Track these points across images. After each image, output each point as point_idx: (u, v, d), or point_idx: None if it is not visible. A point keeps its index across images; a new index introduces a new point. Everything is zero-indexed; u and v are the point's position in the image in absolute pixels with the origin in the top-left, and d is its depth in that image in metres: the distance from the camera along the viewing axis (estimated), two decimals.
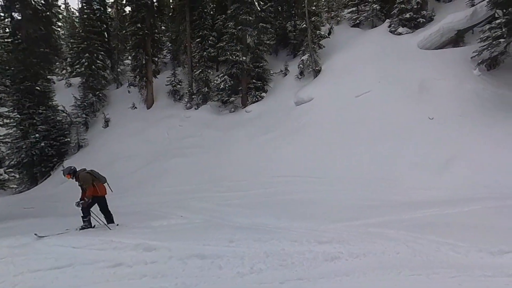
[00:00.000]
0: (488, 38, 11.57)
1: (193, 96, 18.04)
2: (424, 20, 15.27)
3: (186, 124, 16.66)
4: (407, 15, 15.14)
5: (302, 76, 16.00)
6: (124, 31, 22.29)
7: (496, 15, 11.87)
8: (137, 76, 19.34)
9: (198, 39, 18.26)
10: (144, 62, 18.73)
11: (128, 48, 21.43)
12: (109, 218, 6.76)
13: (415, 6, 15.19)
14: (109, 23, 23.79)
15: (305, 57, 15.55)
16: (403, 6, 15.17)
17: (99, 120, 19.61)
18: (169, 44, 23.16)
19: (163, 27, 22.97)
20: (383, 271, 3.51)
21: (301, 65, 15.75)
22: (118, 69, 23.16)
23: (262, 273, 3.80)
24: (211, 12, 19.64)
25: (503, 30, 11.43)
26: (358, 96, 12.83)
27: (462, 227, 5.23)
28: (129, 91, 20.80)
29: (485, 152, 9.20)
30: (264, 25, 17.04)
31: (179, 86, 19.07)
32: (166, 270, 3.99)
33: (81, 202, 6.44)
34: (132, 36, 18.68)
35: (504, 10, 11.47)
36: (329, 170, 10.26)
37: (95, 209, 6.72)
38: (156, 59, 20.67)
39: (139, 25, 18.08)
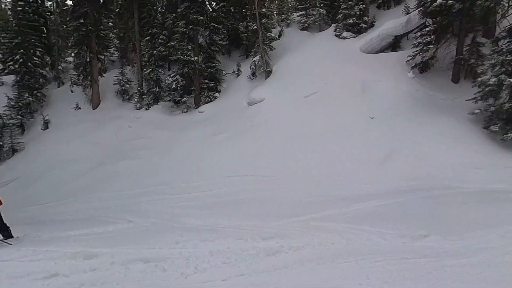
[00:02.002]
0: (419, 44, 12.76)
1: (143, 96, 17.43)
2: (366, 25, 16.36)
3: (136, 125, 16.04)
4: (351, 21, 16.10)
5: (254, 77, 16.25)
6: (65, 26, 20.78)
7: (427, 23, 13.15)
8: (81, 75, 18.16)
9: (148, 37, 17.68)
10: (88, 59, 17.66)
11: (70, 44, 20.01)
12: (6, 232, 6.17)
13: (358, 13, 16.21)
14: (49, 17, 22.00)
15: (256, 58, 15.81)
16: (347, 12, 16.10)
17: (38, 122, 18.07)
18: (117, 42, 22.09)
19: (110, 24, 21.83)
20: (319, 261, 3.77)
21: (253, 66, 16.00)
22: (60, 67, 21.52)
23: (206, 272, 3.86)
24: (161, 10, 19.12)
25: (432, 37, 12.70)
26: (306, 97, 13.38)
27: (393, 216, 5.75)
28: (72, 91, 19.45)
29: (418, 148, 10.15)
30: (216, 25, 17.04)
31: (128, 85, 18.29)
32: (107, 277, 3.88)
33: None
34: (74, 32, 17.50)
35: (433, 19, 12.75)
36: (279, 169, 10.58)
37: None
38: (102, 57, 19.57)
39: (82, 20, 17.01)
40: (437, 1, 11.67)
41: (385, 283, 3.25)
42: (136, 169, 12.84)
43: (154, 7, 18.21)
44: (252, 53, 16.62)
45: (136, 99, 17.55)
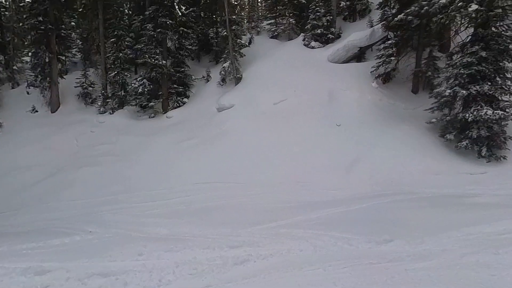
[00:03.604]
0: (382, 55, 13.43)
1: (107, 100, 16.70)
2: (333, 36, 16.97)
3: (99, 130, 15.29)
4: (319, 31, 16.63)
5: (224, 83, 16.19)
6: (21, 24, 19.49)
7: (389, 37, 13.88)
8: (39, 76, 17.07)
9: (113, 39, 17.03)
10: (47, 60, 16.65)
11: (27, 43, 18.77)
12: None
13: (325, 24, 16.78)
14: (3, 13, 20.52)
15: (226, 64, 15.78)
16: (315, 22, 16.61)
17: None
18: (80, 42, 21.07)
19: (72, 23, 20.79)
20: (287, 269, 3.74)
21: (222, 72, 15.94)
22: (14, 67, 20.07)
23: (170, 284, 3.69)
24: (128, 12, 18.55)
25: (394, 49, 13.41)
26: (276, 104, 13.53)
27: (359, 222, 5.89)
28: (28, 92, 18.19)
29: (381, 155, 10.58)
30: (186, 29, 16.83)
31: (91, 88, 17.44)
32: None
33: None
34: (31, 30, 16.45)
35: (395, 33, 13.48)
36: (248, 175, 10.53)
37: None
38: (63, 57, 18.55)
39: (40, 18, 16.04)
40: (398, 16, 12.37)
41: None
42: (98, 176, 12.18)
43: (121, 8, 17.60)
44: (222, 59, 16.58)
45: (99, 103, 16.78)
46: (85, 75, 17.50)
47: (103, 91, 16.97)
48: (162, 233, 6.61)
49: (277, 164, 10.94)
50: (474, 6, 9.53)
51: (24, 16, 18.00)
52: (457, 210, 6.21)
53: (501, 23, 10.31)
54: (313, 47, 16.59)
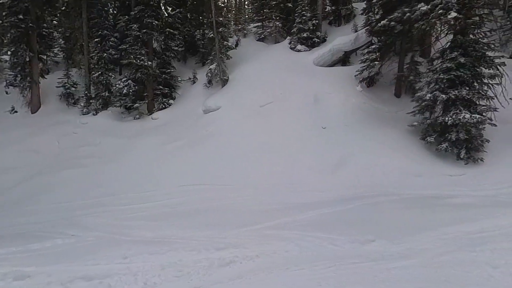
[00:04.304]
0: (366, 60, 13.72)
1: (91, 101, 16.37)
2: (318, 40, 17.22)
3: (82, 132, 14.96)
4: (305, 35, 16.84)
5: (211, 84, 16.15)
6: (1, 22, 18.85)
7: (373, 41, 14.19)
8: (19, 75, 16.55)
9: (97, 39, 16.74)
10: (28, 59, 16.18)
11: (6, 42, 18.20)
12: None
13: (311, 27, 17.02)
14: None
15: (213, 66, 15.76)
16: (301, 26, 16.82)
17: None
18: (62, 42, 20.56)
19: (54, 22, 20.26)
20: (273, 270, 3.78)
21: (209, 73, 15.90)
22: None
23: (156, 287, 3.67)
24: (113, 12, 18.26)
25: (377, 54, 13.73)
26: (262, 106, 13.60)
27: (343, 222, 6.00)
28: (7, 92, 17.60)
29: (365, 157, 10.79)
30: (172, 31, 16.72)
31: (73, 88, 17.04)
32: None
33: None
34: (11, 28, 15.96)
35: (378, 38, 13.80)
36: (234, 177, 10.54)
37: None
38: (45, 57, 18.09)
39: (21, 16, 15.60)
40: (381, 22, 12.68)
41: None
42: (81, 179, 11.91)
43: (105, 8, 17.31)
44: (208, 61, 16.53)
45: (82, 104, 16.42)
46: (68, 75, 17.10)
47: (86, 92, 16.63)
48: (147, 236, 6.54)
49: (263, 166, 10.99)
50: (453, 14, 9.89)
51: (4, 13, 17.42)
52: (436, 211, 6.42)
53: (478, 31, 10.73)
54: (299, 51, 16.78)
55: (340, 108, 13.06)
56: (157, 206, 9.47)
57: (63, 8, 19.28)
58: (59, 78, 17.08)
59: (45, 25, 17.71)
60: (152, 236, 6.48)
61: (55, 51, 20.25)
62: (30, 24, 15.93)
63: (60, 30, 20.71)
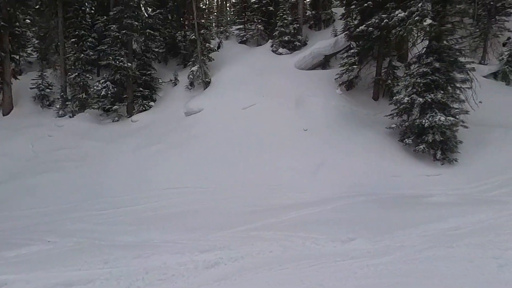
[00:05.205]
0: (346, 64, 14.07)
1: (67, 103, 15.85)
2: (299, 43, 17.49)
3: (57, 134, 14.44)
4: (286, 38, 17.06)
5: (192, 86, 16.04)
6: None
7: (352, 46, 14.57)
8: None
9: (74, 39, 16.27)
10: None
11: None
12: None
13: (292, 31, 17.26)
14: None
15: (195, 68, 15.67)
16: (283, 29, 17.03)
17: None
18: (36, 41, 19.83)
19: (27, 20, 19.52)
20: (257, 270, 3.82)
21: (191, 75, 15.79)
22: None
23: None
24: (91, 11, 17.79)
25: (356, 58, 14.10)
26: (245, 108, 13.64)
27: (325, 222, 6.12)
28: None
29: (345, 158, 11.03)
30: (152, 32, 16.50)
31: (48, 90, 16.46)
32: None
33: None
34: None
35: (357, 43, 14.18)
36: (217, 180, 10.51)
37: None
38: (17, 57, 17.38)
39: None
40: (360, 28, 13.07)
41: (319, 285, 3.43)
42: (58, 183, 11.49)
43: (82, 8, 16.84)
44: (190, 62, 16.41)
45: (58, 106, 15.86)
46: (42, 76, 16.50)
47: (62, 93, 16.09)
48: (128, 240, 6.42)
49: (246, 168, 11.01)
50: (428, 21, 10.33)
51: None
52: (414, 209, 6.67)
53: (451, 37, 11.26)
54: (281, 54, 16.98)
55: (321, 110, 13.30)
56: (138, 210, 9.29)
57: (37, 6, 18.60)
58: (33, 79, 16.45)
59: (17, 23, 17.01)
60: (134, 240, 6.37)
61: (28, 51, 19.51)
62: (2, 23, 15.28)
63: (34, 29, 19.98)
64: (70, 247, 6.09)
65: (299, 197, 9.18)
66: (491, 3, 16.39)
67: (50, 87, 16.55)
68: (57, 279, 3.95)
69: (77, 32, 16.31)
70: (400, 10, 11.42)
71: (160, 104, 16.00)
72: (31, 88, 16.34)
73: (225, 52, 18.02)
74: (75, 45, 16.22)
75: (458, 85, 11.00)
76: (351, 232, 4.92)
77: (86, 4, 17.25)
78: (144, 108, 15.66)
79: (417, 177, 10.23)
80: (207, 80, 15.66)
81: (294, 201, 8.80)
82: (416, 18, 10.54)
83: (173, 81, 16.90)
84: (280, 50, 17.06)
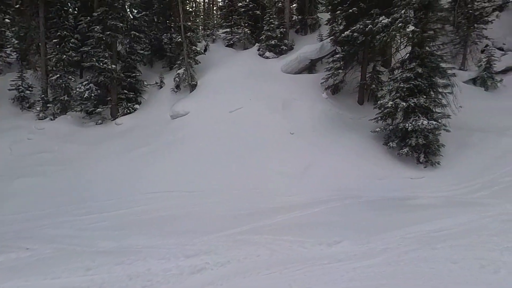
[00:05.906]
0: (331, 68, 14.25)
1: (48, 105, 15.38)
2: (286, 48, 17.62)
3: (38, 138, 13.98)
4: (273, 42, 17.16)
5: (179, 89, 15.88)
6: None
7: (337, 51, 14.77)
8: None
9: (56, 40, 15.84)
10: None
11: None
12: None
13: (279, 35, 17.38)
14: None
15: (181, 71, 15.52)
16: (269, 33, 17.13)
17: None
18: (16, 41, 19.20)
19: (6, 20, 18.90)
20: (244, 274, 3.77)
21: (177, 78, 15.63)
22: None
23: None
24: (74, 12, 17.40)
25: (341, 63, 14.30)
26: (231, 112, 13.58)
27: (312, 225, 6.12)
28: None
29: (331, 161, 11.12)
30: (137, 34, 16.26)
31: (28, 92, 15.93)
32: None
33: None
34: None
35: (342, 48, 14.39)
36: (204, 183, 10.38)
37: None
38: None
39: None
40: (345, 33, 13.27)
41: None
42: (37, 188, 11.10)
43: (65, 8, 16.45)
44: (176, 65, 16.26)
45: (38, 108, 15.37)
46: (22, 77, 15.97)
47: (43, 95, 15.61)
48: (111, 246, 6.24)
49: (233, 171, 10.94)
50: (411, 27, 10.60)
51: None
52: (399, 212, 6.76)
53: (433, 43, 11.57)
54: (267, 57, 17.05)
55: (307, 114, 13.40)
56: (121, 215, 9.06)
57: (17, 6, 18.05)
58: (12, 80, 15.90)
59: None
60: (117, 246, 6.20)
61: (7, 51, 18.87)
62: None
63: (13, 29, 19.35)
64: (49, 254, 5.86)
65: (286, 200, 9.18)
66: (470, 11, 16.99)
67: (30, 89, 16.02)
68: (36, 287, 3.78)
69: (59, 33, 15.88)
70: (384, 16, 11.68)
71: (145, 106, 15.75)
72: (9, 90, 15.77)
73: (212, 55, 17.95)
74: (57, 46, 15.79)
75: (440, 90, 11.30)
76: (337, 235, 4.93)
77: (69, 4, 16.88)
78: (128, 111, 15.37)
79: (401, 180, 10.41)
80: (193, 83, 15.54)
81: (280, 205, 8.78)
82: (399, 25, 10.79)
83: (158, 84, 16.69)
84: (267, 54, 17.14)
